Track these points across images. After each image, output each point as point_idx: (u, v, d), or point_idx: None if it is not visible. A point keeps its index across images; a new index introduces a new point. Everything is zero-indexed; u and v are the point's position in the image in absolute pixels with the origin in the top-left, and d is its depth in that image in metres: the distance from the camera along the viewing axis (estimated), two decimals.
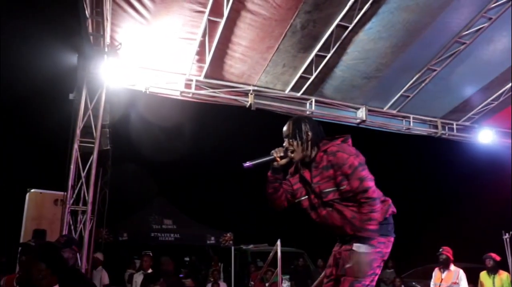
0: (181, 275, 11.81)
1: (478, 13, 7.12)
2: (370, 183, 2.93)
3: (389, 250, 3.01)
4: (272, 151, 3.13)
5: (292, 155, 3.11)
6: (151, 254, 8.54)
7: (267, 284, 9.73)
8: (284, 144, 3.16)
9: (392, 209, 3.10)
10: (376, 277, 2.96)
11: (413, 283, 11.15)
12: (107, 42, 6.71)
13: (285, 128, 3.19)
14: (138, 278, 8.30)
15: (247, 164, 3.14)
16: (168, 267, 7.51)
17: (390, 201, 3.13)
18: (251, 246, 13.66)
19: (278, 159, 3.11)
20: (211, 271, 11.32)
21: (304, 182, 3.14)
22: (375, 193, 2.92)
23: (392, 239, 3.04)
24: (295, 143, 3.10)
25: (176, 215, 12.65)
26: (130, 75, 7.29)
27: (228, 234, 12.68)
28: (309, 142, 3.10)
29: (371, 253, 2.87)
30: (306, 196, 3.13)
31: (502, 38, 7.57)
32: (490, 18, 7.19)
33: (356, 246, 2.86)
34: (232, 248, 12.68)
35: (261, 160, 3.16)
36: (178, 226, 12.38)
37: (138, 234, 11.86)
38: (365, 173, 2.95)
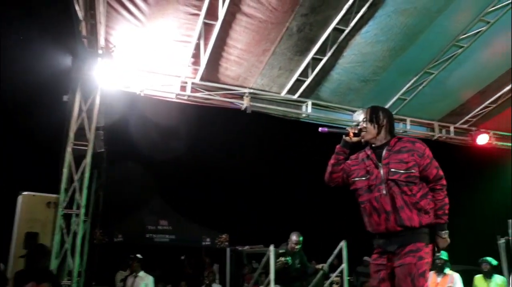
0: None
1: (476, 17, 7.07)
2: (442, 172, 3.32)
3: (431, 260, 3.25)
4: (348, 127, 3.48)
5: (364, 135, 3.42)
6: (139, 256, 8.51)
7: None
8: (359, 125, 3.50)
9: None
10: None
11: None
12: (102, 45, 6.64)
13: (363, 113, 3.55)
14: (129, 280, 8.37)
15: (323, 128, 3.49)
16: None
17: None
18: (246, 247, 13.64)
19: (352, 134, 3.44)
20: (206, 274, 11.29)
21: (366, 164, 3.41)
22: (445, 181, 3.31)
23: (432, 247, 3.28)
24: (370, 125, 3.42)
25: (171, 216, 12.62)
26: (125, 78, 7.22)
27: (224, 235, 12.66)
28: (382, 127, 3.41)
29: (422, 264, 3.09)
30: (364, 178, 3.38)
31: (500, 42, 7.51)
32: (488, 22, 7.14)
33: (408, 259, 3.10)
34: (228, 249, 12.66)
35: (336, 130, 3.57)
36: (173, 227, 12.35)
37: (133, 235, 11.85)
38: (438, 163, 3.33)
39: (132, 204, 12.62)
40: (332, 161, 3.49)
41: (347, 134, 3.44)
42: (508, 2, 6.83)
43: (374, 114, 3.44)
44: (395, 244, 3.18)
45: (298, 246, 7.00)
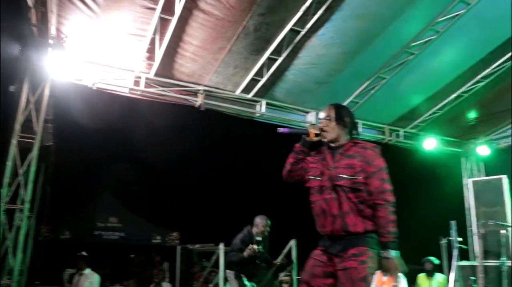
0: None
1: (426, 26, 7.29)
2: (390, 186, 3.18)
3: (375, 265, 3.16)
4: (309, 126, 3.39)
5: (325, 134, 3.34)
6: (84, 254, 8.38)
7: (210, 285, 9.70)
8: (320, 125, 3.40)
9: None
10: None
11: None
12: (53, 34, 6.43)
13: (325, 111, 3.43)
14: (74, 278, 8.30)
15: (283, 129, 3.43)
16: None
17: None
18: (197, 245, 13.56)
19: (313, 134, 3.36)
20: (155, 272, 11.18)
21: (323, 164, 3.34)
22: (392, 197, 3.16)
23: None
24: (332, 124, 3.35)
25: (122, 213, 12.45)
26: (77, 70, 7.01)
27: (175, 233, 12.57)
28: (345, 129, 3.36)
29: (363, 269, 3.06)
30: (318, 178, 3.32)
31: (448, 50, 7.78)
32: (438, 31, 7.38)
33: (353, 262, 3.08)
34: (178, 247, 12.55)
35: (296, 130, 3.54)
36: (123, 224, 12.19)
37: (81, 232, 11.61)
38: (387, 177, 3.22)
39: (80, 200, 12.35)
40: (291, 160, 3.43)
41: (308, 135, 3.37)
42: (456, 13, 7.08)
43: (339, 114, 3.38)
44: (339, 246, 3.16)
45: (268, 229, 6.97)
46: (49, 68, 6.55)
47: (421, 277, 8.83)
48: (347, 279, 3.05)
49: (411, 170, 10.72)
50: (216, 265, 8.76)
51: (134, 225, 12.40)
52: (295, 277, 8.46)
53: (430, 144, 10.17)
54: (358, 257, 3.07)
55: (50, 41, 6.45)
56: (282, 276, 9.12)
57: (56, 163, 7.76)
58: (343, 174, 3.19)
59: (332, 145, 3.37)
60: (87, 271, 8.21)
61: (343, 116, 3.37)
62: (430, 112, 9.53)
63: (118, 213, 12.37)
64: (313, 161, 3.42)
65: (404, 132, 10.09)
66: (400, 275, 8.40)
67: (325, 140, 3.36)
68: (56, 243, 11.14)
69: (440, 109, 9.39)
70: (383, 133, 9.90)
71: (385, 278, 8.45)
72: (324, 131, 3.35)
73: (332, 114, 3.37)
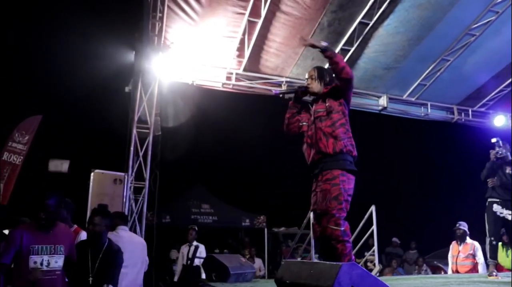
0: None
1: (485, 8, 7.92)
2: None
3: (351, 186, 3.77)
4: (296, 86, 4.42)
5: (310, 90, 4.14)
6: (196, 228, 9.46)
7: (298, 258, 10.54)
8: (306, 83, 4.17)
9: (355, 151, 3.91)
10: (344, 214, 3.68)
11: (435, 262, 11.80)
12: (161, 41, 7.76)
13: (309, 72, 4.24)
14: (184, 249, 9.20)
15: (276, 91, 4.48)
16: None
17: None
18: (282, 228, 14.47)
19: (300, 93, 4.18)
20: (246, 252, 12.16)
21: (309, 113, 4.11)
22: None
23: (352, 177, 3.80)
24: (315, 82, 4.14)
25: (213, 201, 13.47)
26: (179, 70, 8.26)
27: (262, 217, 13.53)
28: (326, 83, 4.13)
29: (335, 190, 3.67)
30: (306, 123, 4.10)
31: (508, 30, 8.27)
32: (497, 12, 7.97)
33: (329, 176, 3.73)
34: (265, 229, 13.51)
35: (286, 91, 4.61)
36: (215, 210, 13.29)
37: (179, 216, 12.78)
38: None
39: (176, 189, 13.50)
40: (287, 115, 4.13)
41: (297, 92, 4.16)
42: None
43: (320, 73, 4.10)
44: (317, 169, 3.85)
45: None
46: (157, 70, 7.80)
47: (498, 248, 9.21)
48: (322, 199, 3.72)
49: (482, 148, 11.07)
50: (301, 240, 9.58)
51: (224, 210, 13.49)
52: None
53: (500, 121, 10.52)
54: (331, 181, 3.71)
55: (159, 47, 7.78)
56: (367, 256, 9.53)
57: (162, 151, 8.88)
58: (319, 109, 3.95)
59: (315, 97, 4.11)
60: (195, 243, 9.30)
61: (323, 74, 4.11)
62: (497, 90, 10.00)
63: (209, 201, 13.44)
64: (304, 113, 4.13)
65: (473, 111, 10.57)
66: (477, 244, 8.92)
67: (310, 95, 4.14)
68: (158, 227, 12.37)
69: (506, 86, 9.84)
70: (452, 113, 10.45)
71: (461, 247, 9.04)
72: (308, 87, 4.11)
73: (315, 74, 4.11)
